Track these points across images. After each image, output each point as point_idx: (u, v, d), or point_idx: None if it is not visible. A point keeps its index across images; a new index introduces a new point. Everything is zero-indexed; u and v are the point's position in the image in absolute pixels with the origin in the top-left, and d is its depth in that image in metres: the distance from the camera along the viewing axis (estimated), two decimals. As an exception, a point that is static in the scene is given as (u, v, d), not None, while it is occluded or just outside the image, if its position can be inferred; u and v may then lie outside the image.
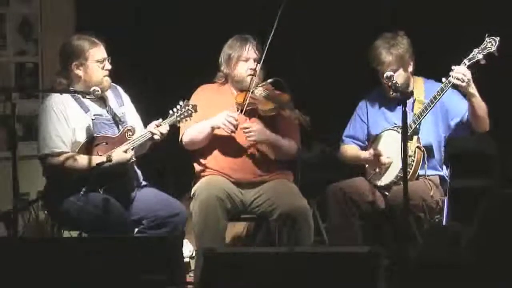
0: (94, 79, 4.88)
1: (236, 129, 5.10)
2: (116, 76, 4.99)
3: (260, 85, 5.23)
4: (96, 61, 4.88)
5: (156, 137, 4.89)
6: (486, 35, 4.93)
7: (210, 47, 5.35)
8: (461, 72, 4.89)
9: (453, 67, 4.93)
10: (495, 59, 4.92)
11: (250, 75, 5.20)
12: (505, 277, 3.35)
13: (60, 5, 6.30)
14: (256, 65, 5.20)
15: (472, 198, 5.07)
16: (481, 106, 4.98)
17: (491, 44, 4.91)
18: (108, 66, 4.92)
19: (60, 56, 4.95)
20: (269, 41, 5.11)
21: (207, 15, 6.20)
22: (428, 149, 5.12)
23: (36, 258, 3.96)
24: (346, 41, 6.02)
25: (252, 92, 5.19)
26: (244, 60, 5.21)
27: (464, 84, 4.89)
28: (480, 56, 4.92)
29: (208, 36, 5.59)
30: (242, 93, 5.21)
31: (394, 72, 5.05)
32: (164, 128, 4.91)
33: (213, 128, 5.14)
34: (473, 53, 4.94)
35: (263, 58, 5.16)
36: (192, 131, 5.17)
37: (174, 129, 5.03)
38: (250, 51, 5.21)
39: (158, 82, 6.22)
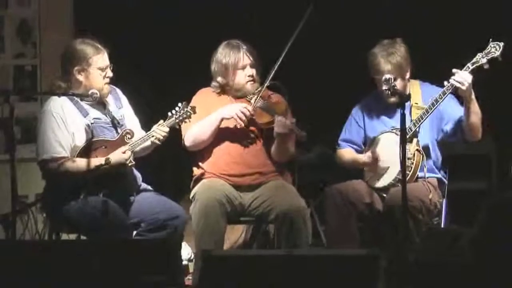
0: (95, 85, 4.87)
1: (249, 123, 5.11)
2: (114, 78, 4.98)
3: (257, 90, 5.21)
4: (98, 68, 4.87)
5: (157, 140, 4.89)
6: (490, 39, 4.94)
7: (210, 49, 5.33)
8: (462, 76, 4.90)
9: (454, 70, 4.94)
10: (494, 62, 4.93)
11: (249, 81, 5.20)
12: (504, 278, 3.35)
13: (58, 7, 6.30)
14: (253, 70, 5.20)
15: (471, 200, 5.09)
16: (477, 113, 4.99)
17: (495, 49, 4.92)
18: (109, 73, 4.92)
19: (62, 59, 4.94)
20: (281, 58, 5.14)
21: (207, 16, 6.20)
22: (425, 151, 5.13)
23: (34, 261, 3.96)
24: (346, 43, 6.03)
25: (249, 100, 5.19)
26: (240, 68, 5.20)
27: (464, 87, 4.90)
28: (484, 61, 4.93)
29: (208, 38, 5.58)
30: (241, 100, 5.21)
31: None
32: (164, 129, 4.90)
33: (221, 120, 5.13)
34: (476, 57, 4.95)
35: (271, 74, 5.17)
36: (197, 129, 5.15)
37: (174, 132, 5.03)
38: (245, 58, 5.18)
39: (157, 84, 6.22)
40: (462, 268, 3.54)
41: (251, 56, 5.19)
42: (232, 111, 5.12)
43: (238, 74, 5.20)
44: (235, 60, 5.17)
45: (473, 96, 4.95)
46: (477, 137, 5.09)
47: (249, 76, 5.20)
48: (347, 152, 5.36)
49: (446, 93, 4.98)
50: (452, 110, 5.12)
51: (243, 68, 5.19)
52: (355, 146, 5.36)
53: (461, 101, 5.07)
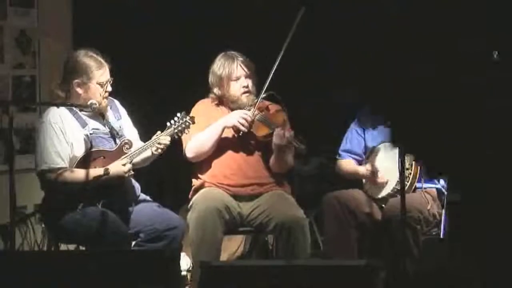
0: (93, 99, 4.86)
1: (251, 128, 5.11)
2: (113, 89, 4.98)
3: (253, 102, 5.21)
4: (98, 83, 4.87)
5: (156, 151, 4.89)
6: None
7: (209, 60, 5.33)
8: None
9: None
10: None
11: (244, 93, 5.20)
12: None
13: (58, 18, 6.30)
14: (248, 81, 5.21)
15: (470, 211, 5.08)
16: None
17: None
18: (109, 88, 4.91)
19: (64, 69, 4.93)
20: (275, 65, 5.15)
21: (205, 27, 6.21)
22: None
23: (33, 272, 3.95)
24: (343, 53, 6.04)
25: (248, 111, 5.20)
26: (234, 79, 5.20)
27: None
28: None
29: (207, 49, 5.59)
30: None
31: None
32: (165, 139, 4.90)
33: (223, 129, 5.14)
34: None
35: (267, 83, 5.18)
36: (198, 140, 5.16)
37: (173, 142, 5.02)
38: (239, 69, 5.20)
39: (155, 96, 6.22)
40: (461, 279, 3.54)
41: (246, 68, 5.20)
42: (233, 119, 5.13)
43: (232, 85, 5.21)
44: (229, 71, 5.19)
45: None
46: None
47: (244, 87, 5.20)
48: (347, 163, 5.36)
49: None
50: None
51: (237, 79, 5.20)
52: (355, 156, 5.36)
53: None
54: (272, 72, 5.18)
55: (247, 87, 5.21)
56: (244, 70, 5.20)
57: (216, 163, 5.21)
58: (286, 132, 5.05)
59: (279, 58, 5.19)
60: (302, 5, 5.27)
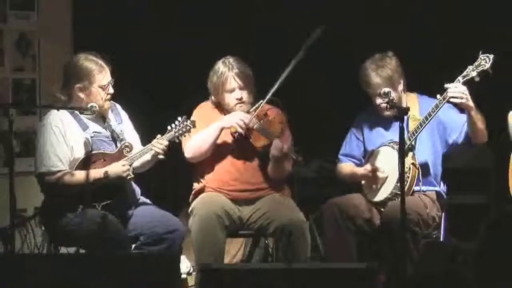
0: (96, 102, 4.85)
1: (248, 132, 5.12)
2: (114, 92, 4.98)
3: (252, 109, 5.21)
4: (99, 86, 4.86)
5: (159, 155, 4.88)
6: (480, 52, 4.93)
7: (210, 63, 5.33)
8: (458, 90, 4.89)
9: (446, 85, 4.92)
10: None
11: (237, 104, 5.19)
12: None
13: (58, 21, 6.30)
14: (242, 93, 5.19)
15: (470, 213, 5.08)
16: (479, 118, 4.98)
17: (485, 61, 4.91)
18: (111, 90, 4.91)
19: (64, 74, 4.93)
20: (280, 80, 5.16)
21: (207, 29, 6.21)
22: (424, 167, 5.12)
23: (33, 275, 3.95)
24: (342, 57, 6.03)
25: None
26: (228, 91, 5.20)
27: (463, 101, 4.90)
28: (474, 74, 4.91)
29: (209, 52, 5.58)
30: None
31: None
32: (163, 143, 4.90)
33: (221, 130, 5.14)
34: (467, 70, 4.94)
35: (272, 91, 5.18)
36: (197, 141, 5.15)
37: (173, 146, 5.02)
38: (232, 82, 5.16)
39: (155, 98, 6.22)
40: (461, 282, 3.53)
41: (240, 79, 5.16)
42: (232, 120, 5.13)
43: (226, 96, 5.20)
44: (222, 83, 5.17)
45: (472, 104, 4.93)
46: (484, 140, 5.09)
47: (237, 99, 5.19)
48: (347, 166, 5.35)
49: (439, 106, 4.97)
50: (454, 120, 5.11)
51: (231, 91, 5.19)
52: (355, 160, 5.35)
53: (459, 108, 5.06)
54: (275, 87, 5.16)
55: (240, 99, 5.20)
56: (238, 83, 5.18)
57: (216, 168, 5.21)
58: (284, 145, 5.03)
59: (286, 74, 5.16)
60: (320, 25, 5.24)
